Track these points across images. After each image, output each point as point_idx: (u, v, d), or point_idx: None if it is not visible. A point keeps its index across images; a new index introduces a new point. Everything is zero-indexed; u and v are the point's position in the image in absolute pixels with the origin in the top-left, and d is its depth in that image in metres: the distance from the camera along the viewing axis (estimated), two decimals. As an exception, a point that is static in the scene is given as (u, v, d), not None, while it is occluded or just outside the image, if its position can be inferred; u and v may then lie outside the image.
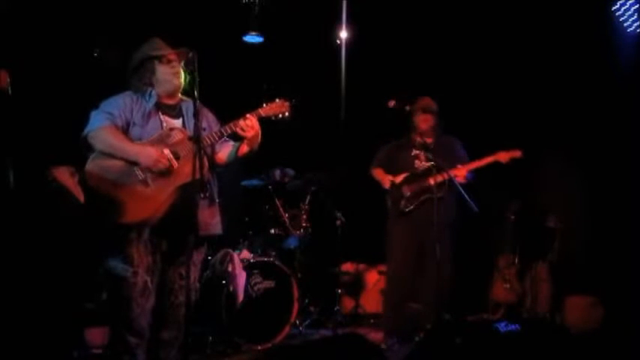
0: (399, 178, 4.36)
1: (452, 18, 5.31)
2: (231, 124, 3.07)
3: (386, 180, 4.37)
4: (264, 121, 3.14)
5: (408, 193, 4.32)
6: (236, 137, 3.18)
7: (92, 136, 2.97)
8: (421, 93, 4.49)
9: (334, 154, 5.32)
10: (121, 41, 3.78)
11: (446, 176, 4.04)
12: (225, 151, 3.24)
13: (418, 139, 4.37)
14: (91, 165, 2.96)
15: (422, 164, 4.37)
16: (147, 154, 2.92)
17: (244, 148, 3.14)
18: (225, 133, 3.08)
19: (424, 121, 4.33)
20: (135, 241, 2.95)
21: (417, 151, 4.40)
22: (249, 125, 3.04)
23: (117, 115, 3.01)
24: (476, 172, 4.26)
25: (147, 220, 2.93)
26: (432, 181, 4.24)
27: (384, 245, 4.49)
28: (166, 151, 2.97)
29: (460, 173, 4.17)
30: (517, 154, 4.25)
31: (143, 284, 2.96)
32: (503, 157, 4.23)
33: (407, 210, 4.30)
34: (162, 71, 3.09)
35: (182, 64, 2.95)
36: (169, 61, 3.09)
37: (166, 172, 2.94)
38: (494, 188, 5.56)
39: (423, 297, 4.30)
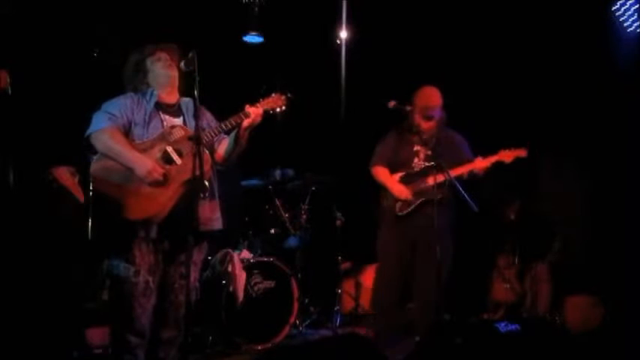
0: (396, 180, 4.20)
1: (452, 17, 5.31)
2: (231, 120, 3.11)
3: (403, 191, 4.11)
4: (264, 120, 3.18)
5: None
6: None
7: (94, 137, 2.99)
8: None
9: (334, 154, 5.32)
10: (121, 41, 3.79)
11: (446, 176, 3.86)
12: (223, 146, 3.27)
13: (417, 137, 4.19)
14: (95, 167, 2.97)
15: (420, 163, 4.22)
16: (142, 164, 2.92)
17: (245, 124, 3.11)
18: (223, 129, 3.12)
19: (423, 121, 4.17)
20: (140, 240, 2.96)
21: (418, 148, 4.23)
22: (254, 112, 3.11)
23: (119, 116, 3.04)
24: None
25: (154, 217, 2.94)
26: (431, 182, 4.04)
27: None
28: (169, 149, 3.01)
29: (480, 165, 4.04)
30: (522, 153, 4.11)
31: (145, 284, 2.97)
32: (507, 156, 4.09)
33: (403, 213, 4.13)
34: (155, 67, 3.17)
35: (182, 63, 2.97)
36: (160, 57, 3.17)
37: (162, 183, 2.94)
38: (494, 188, 5.56)
39: (420, 298, 4.18)
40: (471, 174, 4.10)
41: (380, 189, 4.31)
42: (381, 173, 4.26)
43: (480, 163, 4.08)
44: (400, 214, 4.14)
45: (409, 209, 4.12)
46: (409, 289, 4.31)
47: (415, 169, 4.22)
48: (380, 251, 4.33)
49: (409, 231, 4.14)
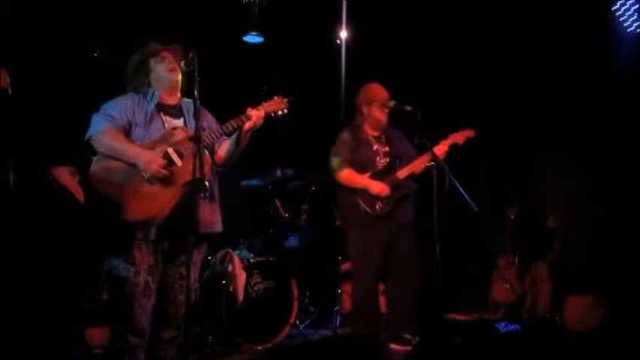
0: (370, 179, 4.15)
1: (452, 17, 5.31)
2: (232, 122, 3.11)
3: (384, 189, 4.05)
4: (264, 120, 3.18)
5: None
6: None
7: (94, 139, 3.00)
8: (421, 93, 4.47)
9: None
10: (121, 41, 3.79)
11: (421, 166, 4.01)
12: (223, 148, 3.27)
13: (371, 132, 4.25)
14: (95, 167, 2.97)
15: (382, 161, 4.21)
16: (142, 157, 2.93)
17: (246, 126, 3.11)
18: (224, 131, 3.12)
19: (383, 115, 4.20)
20: (139, 240, 2.96)
21: (377, 147, 4.24)
22: (256, 114, 3.10)
23: (118, 117, 3.04)
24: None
25: (154, 217, 2.94)
26: (400, 176, 4.10)
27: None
28: (170, 150, 3.01)
29: (439, 152, 4.06)
30: (471, 133, 4.15)
31: (144, 284, 2.97)
32: (458, 138, 4.13)
33: (385, 212, 4.07)
34: (159, 68, 3.17)
35: (182, 63, 2.97)
36: (164, 58, 3.17)
37: (163, 179, 2.94)
38: (494, 188, 5.56)
39: (397, 307, 4.16)
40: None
41: (347, 193, 4.19)
42: (352, 175, 4.16)
43: (438, 150, 4.08)
44: (380, 213, 4.07)
45: (390, 207, 4.08)
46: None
47: (379, 168, 4.19)
48: (359, 255, 4.17)
49: (386, 232, 4.09)
